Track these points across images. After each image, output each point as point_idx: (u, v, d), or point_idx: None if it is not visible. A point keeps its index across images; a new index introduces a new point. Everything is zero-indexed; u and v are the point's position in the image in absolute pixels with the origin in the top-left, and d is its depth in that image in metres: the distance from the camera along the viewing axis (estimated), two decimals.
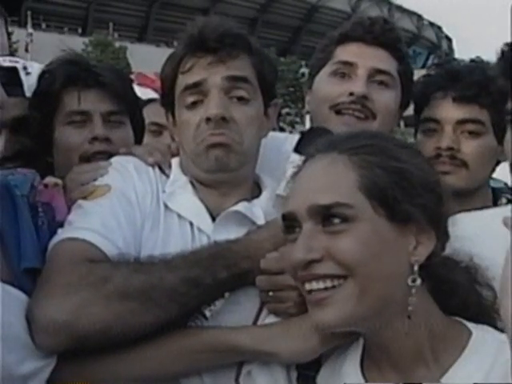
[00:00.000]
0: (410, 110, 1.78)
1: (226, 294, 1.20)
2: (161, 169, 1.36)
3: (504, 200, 1.76)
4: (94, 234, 1.18)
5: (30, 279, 1.13)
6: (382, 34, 1.63)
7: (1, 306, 1.01)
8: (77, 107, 1.55)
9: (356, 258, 0.96)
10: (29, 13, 38.86)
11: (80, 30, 51.53)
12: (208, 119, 1.25)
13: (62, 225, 1.23)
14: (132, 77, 3.12)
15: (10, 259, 1.14)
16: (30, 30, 37.31)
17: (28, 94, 1.60)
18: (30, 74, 1.62)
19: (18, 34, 27.00)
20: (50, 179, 1.34)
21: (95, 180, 1.31)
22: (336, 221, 0.98)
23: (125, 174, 1.31)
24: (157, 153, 1.39)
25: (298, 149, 1.45)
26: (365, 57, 1.62)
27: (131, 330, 1.10)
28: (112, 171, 1.32)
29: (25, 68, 1.63)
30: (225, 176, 1.29)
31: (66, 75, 1.55)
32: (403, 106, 1.70)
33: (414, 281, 0.99)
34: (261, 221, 1.29)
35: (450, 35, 75.01)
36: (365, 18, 1.68)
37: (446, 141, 1.65)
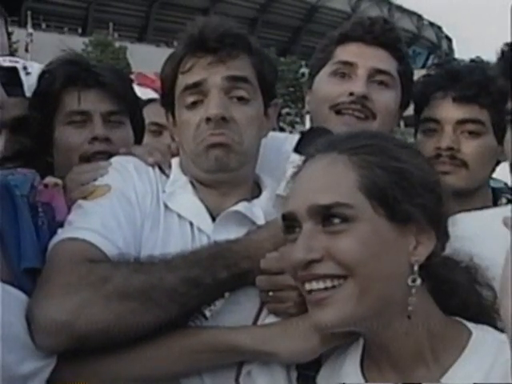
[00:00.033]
0: (410, 110, 1.78)
1: (226, 294, 1.20)
2: (161, 169, 1.36)
3: (504, 200, 1.76)
4: (93, 234, 1.18)
5: (29, 279, 1.13)
6: (382, 33, 1.63)
7: (1, 306, 1.01)
8: (77, 107, 1.55)
9: (356, 257, 0.96)
10: (29, 13, 38.87)
11: (80, 30, 51.53)
12: (208, 119, 1.25)
13: (61, 225, 1.23)
14: (132, 77, 3.13)
15: (10, 259, 1.14)
16: (30, 30, 37.31)
17: (28, 94, 1.60)
18: (30, 73, 1.62)
19: (18, 34, 26.98)
20: (50, 179, 1.34)
21: (95, 180, 1.31)
22: (336, 221, 0.98)
23: (125, 174, 1.31)
24: (157, 153, 1.39)
25: (298, 149, 1.45)
26: (365, 57, 1.62)
27: (131, 329, 1.10)
28: (112, 171, 1.32)
29: (25, 68, 1.63)
30: (225, 176, 1.29)
31: (66, 75, 1.55)
32: (403, 105, 1.70)
33: (414, 281, 0.99)
34: (261, 221, 1.29)
35: (450, 35, 75.06)
36: (365, 18, 1.68)
37: (445, 141, 1.65)
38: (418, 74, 1.79)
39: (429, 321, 1.02)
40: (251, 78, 1.30)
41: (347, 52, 1.64)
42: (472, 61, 1.79)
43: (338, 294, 0.97)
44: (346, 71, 1.62)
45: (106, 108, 1.57)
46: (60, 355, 1.10)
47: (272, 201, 1.33)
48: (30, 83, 1.61)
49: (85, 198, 1.27)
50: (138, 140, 1.68)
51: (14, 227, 1.17)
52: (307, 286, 1.00)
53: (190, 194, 1.31)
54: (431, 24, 71.40)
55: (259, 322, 1.22)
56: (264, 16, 60.68)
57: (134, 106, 1.67)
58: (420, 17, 70.08)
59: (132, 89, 1.71)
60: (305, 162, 1.08)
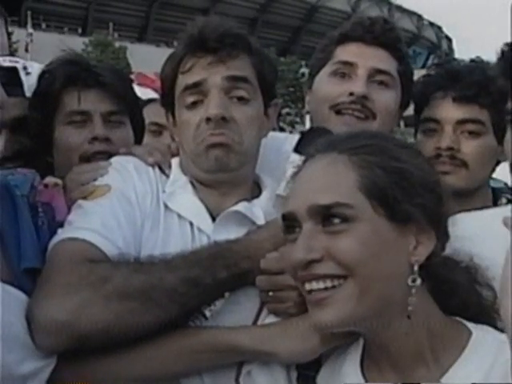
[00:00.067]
0: (410, 110, 1.78)
1: (226, 294, 1.20)
2: (161, 169, 1.36)
3: (504, 200, 1.76)
4: (93, 233, 1.18)
5: (29, 279, 1.13)
6: (382, 33, 1.63)
7: (1, 306, 1.01)
8: (77, 107, 1.55)
9: (356, 258, 0.96)
10: (29, 13, 38.87)
11: (80, 30, 51.54)
12: (208, 119, 1.25)
13: (62, 225, 1.23)
14: (132, 77, 3.13)
15: (10, 259, 1.14)
16: (30, 30, 37.32)
17: (28, 94, 1.60)
18: (30, 73, 1.62)
19: (18, 34, 27.00)
20: (50, 179, 1.34)
21: (95, 180, 1.31)
22: (336, 221, 0.98)
23: (125, 174, 1.31)
24: (157, 153, 1.39)
25: (298, 149, 1.45)
26: (365, 57, 1.62)
27: (131, 329, 1.10)
28: (112, 171, 1.32)
29: (25, 68, 1.63)
30: (225, 176, 1.29)
31: (66, 75, 1.55)
32: (403, 106, 1.70)
33: (414, 281, 0.99)
34: (261, 221, 1.29)
35: (450, 35, 75.05)
36: (365, 18, 1.68)
37: (445, 141, 1.65)
38: (417, 74, 1.79)
39: (429, 321, 1.02)
40: (251, 78, 1.30)
41: (347, 52, 1.64)
42: (472, 61, 1.79)
43: (338, 294, 0.97)
44: (346, 71, 1.62)
45: (106, 108, 1.57)
46: (60, 355, 1.10)
47: (272, 201, 1.33)
48: (30, 83, 1.61)
49: (85, 197, 1.27)
50: (138, 140, 1.68)
51: (13, 227, 1.17)
52: (307, 286, 1.00)
53: (190, 194, 1.31)
54: (431, 24, 71.42)
55: (259, 322, 1.22)
56: (264, 16, 60.68)
57: (134, 106, 1.67)
58: (420, 17, 70.09)
59: (132, 89, 1.71)
60: (305, 162, 1.08)
